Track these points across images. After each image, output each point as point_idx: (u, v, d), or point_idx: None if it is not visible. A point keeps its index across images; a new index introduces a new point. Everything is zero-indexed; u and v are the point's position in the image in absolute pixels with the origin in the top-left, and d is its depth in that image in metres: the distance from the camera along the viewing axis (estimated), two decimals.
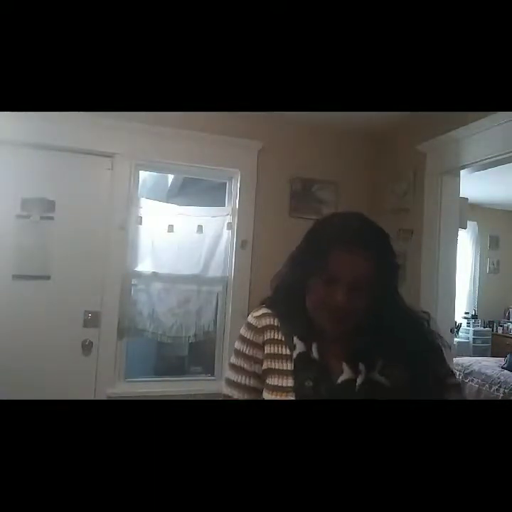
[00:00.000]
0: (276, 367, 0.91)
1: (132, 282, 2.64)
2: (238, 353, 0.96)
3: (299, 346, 0.90)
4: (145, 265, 2.64)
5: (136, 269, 2.62)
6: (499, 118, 2.12)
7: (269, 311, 0.97)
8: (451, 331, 2.57)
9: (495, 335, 6.11)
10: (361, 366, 0.87)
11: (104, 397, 2.46)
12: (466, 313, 6.14)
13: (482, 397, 3.93)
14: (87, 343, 2.49)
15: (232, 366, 0.97)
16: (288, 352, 0.91)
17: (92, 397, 2.44)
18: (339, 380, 0.87)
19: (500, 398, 3.77)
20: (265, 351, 0.93)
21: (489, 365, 4.35)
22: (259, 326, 0.95)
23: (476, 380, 4.13)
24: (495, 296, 6.26)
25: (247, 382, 0.94)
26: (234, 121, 2.70)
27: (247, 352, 0.95)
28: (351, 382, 0.87)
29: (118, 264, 2.56)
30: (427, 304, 2.41)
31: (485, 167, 2.39)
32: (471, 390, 4.07)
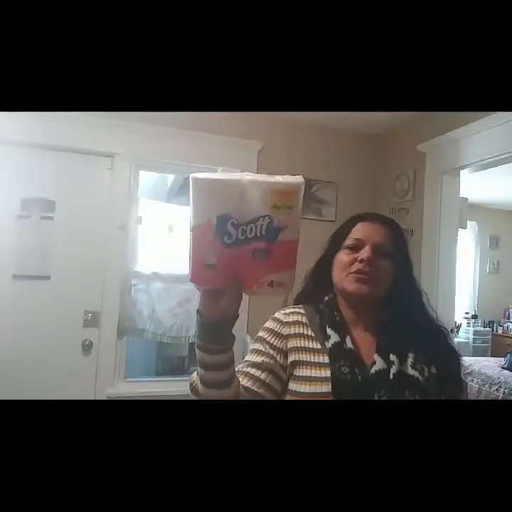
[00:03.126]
0: (306, 359, 0.92)
1: (132, 282, 2.64)
2: (260, 340, 0.97)
3: (333, 337, 0.93)
4: (145, 265, 2.64)
5: (136, 269, 2.62)
6: (499, 118, 2.13)
7: (298, 309, 1.00)
8: (451, 331, 2.57)
9: (495, 335, 6.12)
10: (393, 357, 0.90)
11: (104, 397, 2.46)
12: (466, 313, 6.15)
13: (482, 397, 3.92)
14: (87, 343, 2.49)
15: (253, 350, 0.96)
16: (318, 346, 0.93)
17: (92, 397, 2.44)
18: (373, 370, 0.90)
19: (500, 398, 3.77)
20: (291, 345, 0.94)
21: (489, 365, 4.35)
22: (285, 320, 0.98)
23: (476, 380, 4.12)
24: (495, 296, 6.27)
25: (266, 360, 0.93)
26: (234, 121, 2.70)
27: (269, 340, 0.96)
28: (385, 372, 0.89)
29: (118, 264, 2.55)
30: None
31: (485, 167, 2.39)
32: (471, 390, 4.07)
